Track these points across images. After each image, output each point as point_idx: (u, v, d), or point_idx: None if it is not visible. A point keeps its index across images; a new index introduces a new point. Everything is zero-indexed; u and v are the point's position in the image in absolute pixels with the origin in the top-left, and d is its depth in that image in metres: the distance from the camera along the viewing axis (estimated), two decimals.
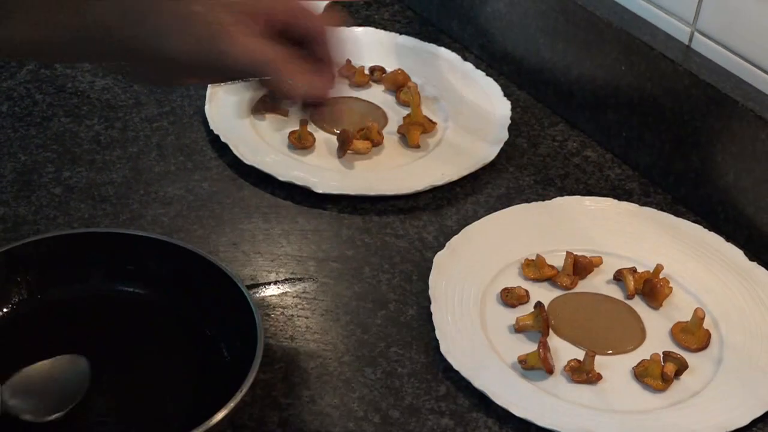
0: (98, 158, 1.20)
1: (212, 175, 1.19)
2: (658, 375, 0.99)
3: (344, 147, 1.22)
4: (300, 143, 1.23)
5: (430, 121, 1.27)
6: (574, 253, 1.09)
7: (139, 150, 1.22)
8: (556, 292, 1.08)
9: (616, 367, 1.01)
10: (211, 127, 1.23)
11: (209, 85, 1.28)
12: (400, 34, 1.41)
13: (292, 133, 1.24)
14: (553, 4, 1.29)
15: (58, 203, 1.13)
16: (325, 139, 1.24)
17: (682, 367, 1.00)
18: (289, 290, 1.06)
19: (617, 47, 1.23)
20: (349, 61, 1.34)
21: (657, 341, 1.04)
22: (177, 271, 0.99)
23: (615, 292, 1.09)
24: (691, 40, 1.20)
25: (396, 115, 1.29)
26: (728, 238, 1.15)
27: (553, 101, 1.33)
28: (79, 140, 1.22)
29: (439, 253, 1.09)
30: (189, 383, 0.95)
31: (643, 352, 1.02)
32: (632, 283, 1.08)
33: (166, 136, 1.24)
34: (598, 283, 1.10)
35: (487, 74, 1.35)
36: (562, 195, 1.20)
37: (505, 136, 1.25)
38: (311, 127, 1.24)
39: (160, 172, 1.19)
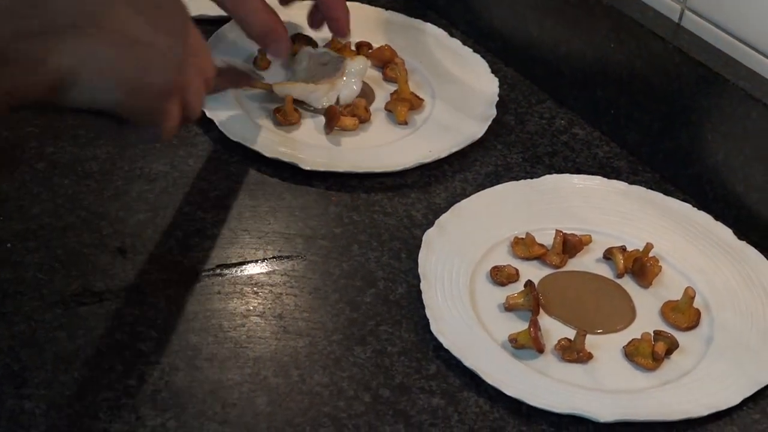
0: (82, 133, 1.18)
1: (197, 152, 1.18)
2: (648, 354, 0.99)
3: (331, 123, 1.20)
4: (285, 119, 1.21)
5: (418, 97, 1.26)
6: (564, 231, 1.09)
7: None
8: (546, 271, 1.07)
9: (606, 346, 1.00)
10: None
11: None
12: (387, 9, 1.40)
13: (276, 109, 1.22)
14: None
15: (41, 179, 1.12)
16: (311, 116, 1.23)
17: (672, 346, 1.00)
18: (277, 268, 1.05)
19: (606, 24, 1.23)
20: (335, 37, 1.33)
21: (647, 320, 1.04)
22: None
23: (604, 271, 1.08)
24: (681, 17, 1.20)
25: (383, 91, 1.28)
26: (717, 217, 1.14)
27: (541, 78, 1.32)
28: (62, 116, 1.20)
29: (428, 230, 1.09)
30: None
31: (633, 331, 1.02)
32: (622, 261, 1.08)
33: None
34: (588, 261, 1.09)
35: (474, 50, 1.34)
36: (550, 173, 1.19)
37: (493, 113, 1.24)
38: (296, 103, 1.23)
39: (144, 148, 1.17)
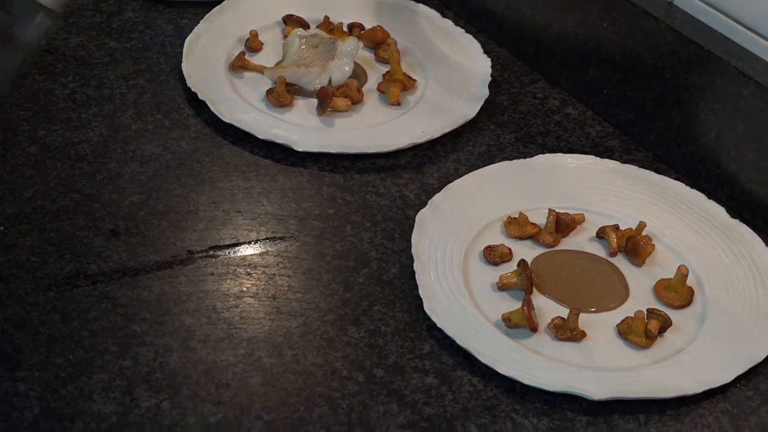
0: (74, 116, 1.18)
1: (190, 134, 1.18)
2: (641, 332, 0.99)
3: (324, 105, 1.20)
4: (278, 101, 1.21)
5: (410, 78, 1.26)
6: (557, 210, 1.09)
7: (115, 108, 1.20)
8: (539, 250, 1.08)
9: (599, 325, 1.01)
10: (189, 85, 1.21)
11: (186, 42, 1.26)
12: None
13: (269, 91, 1.22)
14: None
15: (34, 162, 1.12)
16: (304, 98, 1.23)
17: (665, 324, 1.00)
18: (270, 249, 1.05)
19: (599, 4, 1.22)
20: (327, 18, 1.32)
21: (640, 298, 1.04)
22: None
23: (598, 250, 1.09)
24: None
25: (375, 72, 1.28)
26: (710, 195, 1.14)
27: (534, 58, 1.32)
28: (54, 98, 1.20)
29: (421, 211, 1.09)
30: None
31: (626, 310, 1.02)
32: (615, 240, 1.08)
33: (142, 93, 1.22)
34: (581, 240, 1.09)
35: (467, 31, 1.34)
36: (543, 152, 1.19)
37: (485, 93, 1.24)
38: (288, 85, 1.23)
39: (137, 131, 1.17)
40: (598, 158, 1.18)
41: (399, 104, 1.23)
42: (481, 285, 1.03)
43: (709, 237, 1.10)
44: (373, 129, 1.20)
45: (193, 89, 1.21)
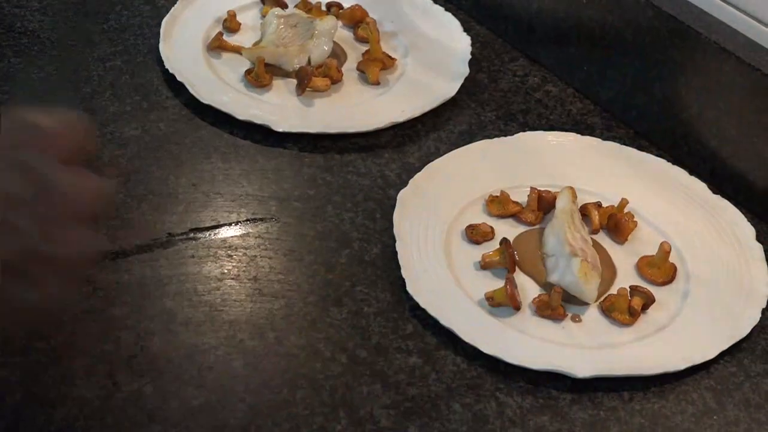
0: (49, 98, 1.17)
1: (169, 115, 1.17)
2: (625, 309, 0.99)
3: (303, 84, 1.19)
4: (257, 81, 1.20)
5: (390, 57, 1.25)
6: (538, 188, 1.08)
7: (92, 90, 1.19)
8: (521, 228, 1.07)
9: (582, 302, 1.00)
10: (167, 66, 1.20)
11: (163, 23, 1.25)
12: None
13: (248, 71, 1.21)
14: None
15: None
16: (282, 78, 1.22)
17: (648, 301, 1.00)
18: (251, 231, 1.05)
19: None
20: None
21: (623, 276, 1.03)
22: None
23: None
24: None
25: (354, 51, 1.27)
26: (692, 172, 1.14)
27: (513, 36, 1.32)
28: (30, 81, 1.19)
29: (402, 190, 1.08)
30: None
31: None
32: (597, 217, 1.07)
33: (120, 75, 1.21)
34: None
35: (446, 9, 1.33)
36: (524, 130, 1.18)
37: (465, 71, 1.24)
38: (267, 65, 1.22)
39: (115, 113, 1.16)
40: (579, 135, 1.18)
41: (378, 83, 1.22)
42: (464, 264, 1.03)
43: (692, 213, 1.10)
44: (353, 108, 1.19)
45: (171, 71, 1.20)
